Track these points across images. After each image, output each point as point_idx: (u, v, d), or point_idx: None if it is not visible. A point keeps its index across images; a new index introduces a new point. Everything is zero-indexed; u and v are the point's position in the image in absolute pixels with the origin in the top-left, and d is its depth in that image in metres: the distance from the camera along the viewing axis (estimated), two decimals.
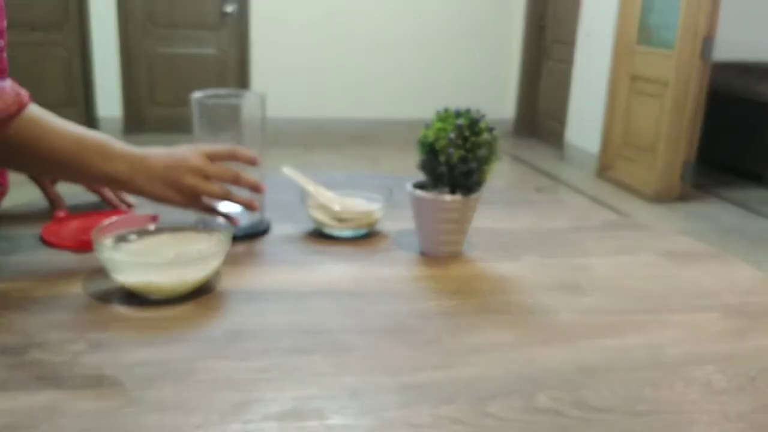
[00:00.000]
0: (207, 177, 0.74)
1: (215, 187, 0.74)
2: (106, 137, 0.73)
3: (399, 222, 0.86)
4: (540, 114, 5.79)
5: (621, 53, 4.37)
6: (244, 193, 0.77)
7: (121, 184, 0.73)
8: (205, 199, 0.75)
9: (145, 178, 0.72)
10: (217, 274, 0.69)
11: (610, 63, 4.44)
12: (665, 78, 3.94)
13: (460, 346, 0.58)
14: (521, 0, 5.60)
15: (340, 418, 0.47)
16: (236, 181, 0.75)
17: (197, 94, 0.78)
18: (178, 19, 5.06)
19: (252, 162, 0.76)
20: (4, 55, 0.75)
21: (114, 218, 0.70)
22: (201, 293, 0.66)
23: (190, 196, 0.74)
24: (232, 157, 0.76)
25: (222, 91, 0.80)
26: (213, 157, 0.75)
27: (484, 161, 0.74)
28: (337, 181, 0.89)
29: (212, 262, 0.66)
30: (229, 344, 0.57)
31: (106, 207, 0.89)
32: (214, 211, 0.76)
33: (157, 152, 0.74)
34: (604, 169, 4.58)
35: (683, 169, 4.04)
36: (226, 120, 0.78)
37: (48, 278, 0.68)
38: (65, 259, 0.73)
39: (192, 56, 5.14)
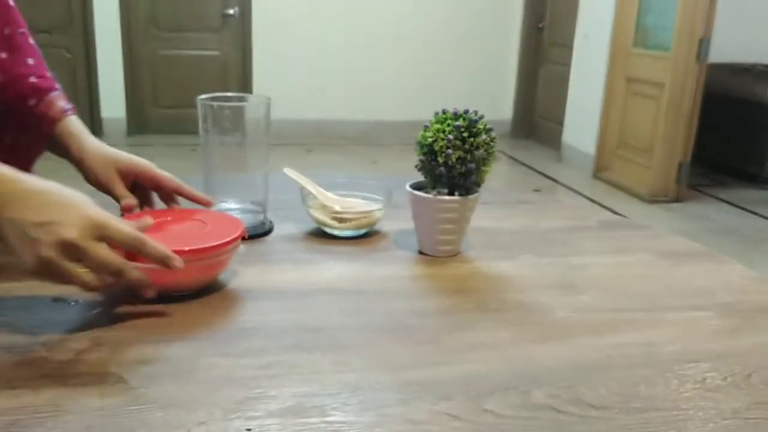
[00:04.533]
0: (78, 258, 0.56)
1: (78, 275, 0.56)
2: None
3: (398, 222, 0.87)
4: (537, 115, 5.80)
5: (618, 55, 4.38)
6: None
7: None
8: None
9: (7, 223, 0.56)
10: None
11: (606, 65, 4.45)
12: (661, 79, 3.95)
13: (458, 344, 0.59)
14: (519, 3, 5.61)
15: (340, 415, 0.48)
16: (139, 252, 0.59)
17: (203, 97, 0.78)
18: (180, 22, 5.07)
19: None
20: None
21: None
22: (204, 292, 0.66)
23: (41, 270, 0.56)
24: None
25: (227, 93, 0.80)
26: (110, 236, 0.58)
27: (482, 162, 0.75)
28: (337, 181, 0.89)
29: None
30: (232, 342, 0.57)
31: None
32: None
33: (40, 197, 0.57)
34: (600, 170, 4.59)
35: (679, 169, 4.05)
36: (231, 123, 0.79)
37: None
38: None
39: (194, 58, 5.15)
